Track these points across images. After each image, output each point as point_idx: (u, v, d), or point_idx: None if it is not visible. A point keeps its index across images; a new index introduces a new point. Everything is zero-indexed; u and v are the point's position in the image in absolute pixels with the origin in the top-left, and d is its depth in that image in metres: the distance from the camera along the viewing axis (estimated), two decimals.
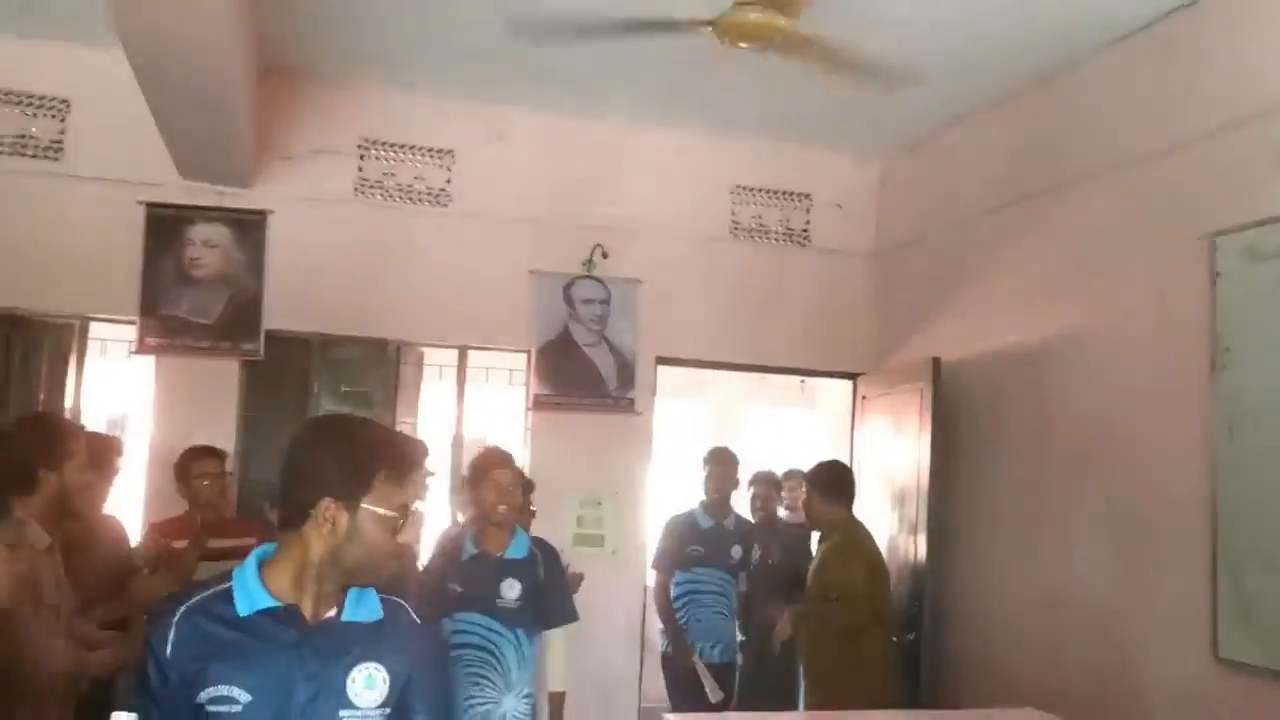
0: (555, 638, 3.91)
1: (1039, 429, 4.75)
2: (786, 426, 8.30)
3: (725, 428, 8.68)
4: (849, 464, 5.35)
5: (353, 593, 1.97)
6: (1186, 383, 3.90)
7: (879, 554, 4.54)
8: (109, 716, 1.83)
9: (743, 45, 3.60)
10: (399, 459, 1.95)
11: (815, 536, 4.76)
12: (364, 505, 1.89)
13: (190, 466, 4.53)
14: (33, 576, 2.93)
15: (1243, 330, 3.72)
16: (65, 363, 5.28)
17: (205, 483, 4.48)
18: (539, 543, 3.97)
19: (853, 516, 4.60)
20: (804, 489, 4.71)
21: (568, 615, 3.92)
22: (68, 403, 5.27)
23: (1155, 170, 4.18)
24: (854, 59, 3.83)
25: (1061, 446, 4.60)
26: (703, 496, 5.58)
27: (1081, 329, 4.55)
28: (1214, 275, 3.82)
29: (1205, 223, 3.86)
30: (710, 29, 3.60)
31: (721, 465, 5.59)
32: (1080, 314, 4.57)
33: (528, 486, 4.62)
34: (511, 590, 3.79)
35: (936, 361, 5.16)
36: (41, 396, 5.21)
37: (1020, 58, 4.75)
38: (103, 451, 4.12)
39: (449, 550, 4.07)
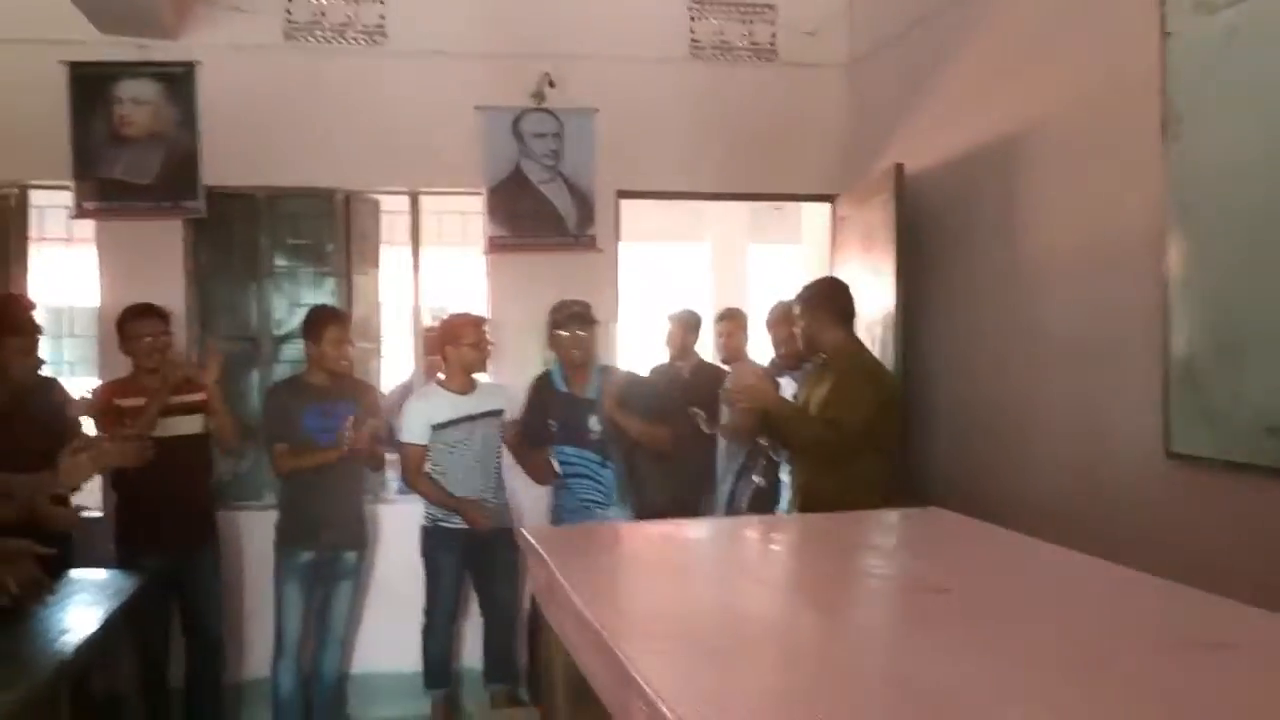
0: None
1: (1005, 232, 4.42)
2: (780, 262, 8.00)
3: (725, 269, 8.43)
4: None
5: None
6: (1139, 160, 3.56)
7: (893, 382, 4.24)
8: None
9: None
10: None
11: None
12: None
13: (128, 326, 4.51)
14: None
15: (1195, 95, 3.35)
16: (5, 234, 5.19)
17: (147, 340, 4.48)
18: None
19: (856, 338, 4.23)
20: (798, 311, 4.15)
21: None
22: (11, 273, 5.20)
23: None
24: None
25: (1028, 247, 4.28)
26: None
27: (1036, 118, 4.19)
28: (1164, 36, 3.44)
29: None
30: None
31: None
32: (1035, 102, 4.20)
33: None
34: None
35: (899, 168, 4.82)
36: None
37: None
38: (14, 313, 4.08)
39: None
